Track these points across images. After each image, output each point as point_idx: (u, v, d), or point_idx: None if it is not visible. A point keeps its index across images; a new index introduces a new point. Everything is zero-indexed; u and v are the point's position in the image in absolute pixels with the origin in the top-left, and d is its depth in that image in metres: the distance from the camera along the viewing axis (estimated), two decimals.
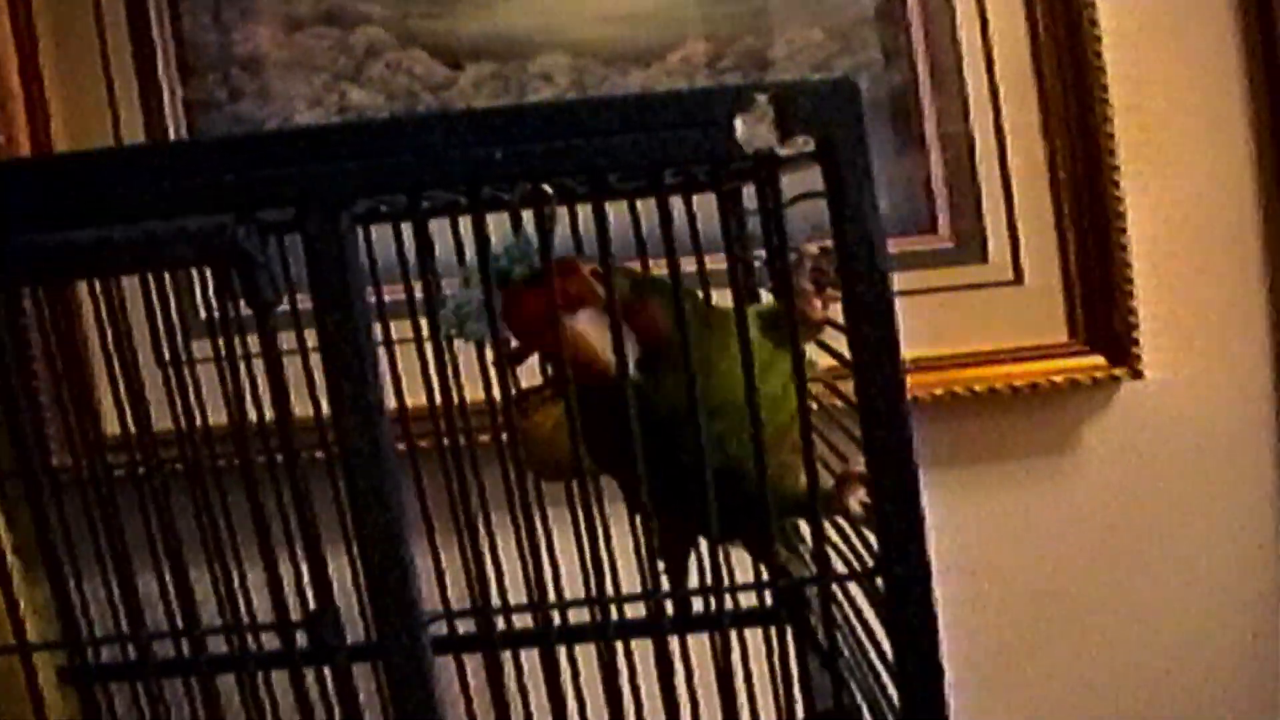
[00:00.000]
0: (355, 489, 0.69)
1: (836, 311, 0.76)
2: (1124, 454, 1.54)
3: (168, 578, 1.09)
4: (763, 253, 1.07)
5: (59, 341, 1.33)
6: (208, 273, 1.25)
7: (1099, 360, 1.49)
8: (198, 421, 1.13)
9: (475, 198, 0.66)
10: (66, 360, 1.38)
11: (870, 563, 0.80)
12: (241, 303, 0.66)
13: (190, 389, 1.12)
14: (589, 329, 0.78)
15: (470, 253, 0.91)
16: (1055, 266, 1.48)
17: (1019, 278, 1.48)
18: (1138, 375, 1.49)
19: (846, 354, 0.71)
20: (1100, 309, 1.48)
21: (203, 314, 1.29)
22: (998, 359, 1.49)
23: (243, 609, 1.13)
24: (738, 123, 0.65)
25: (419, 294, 1.09)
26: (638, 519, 0.95)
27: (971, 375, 1.48)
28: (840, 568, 0.87)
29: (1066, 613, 1.58)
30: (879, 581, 0.75)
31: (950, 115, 1.46)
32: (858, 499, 0.84)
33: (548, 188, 0.89)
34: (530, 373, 0.97)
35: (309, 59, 1.43)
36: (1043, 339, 1.49)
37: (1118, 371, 1.49)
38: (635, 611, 1.01)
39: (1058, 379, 1.49)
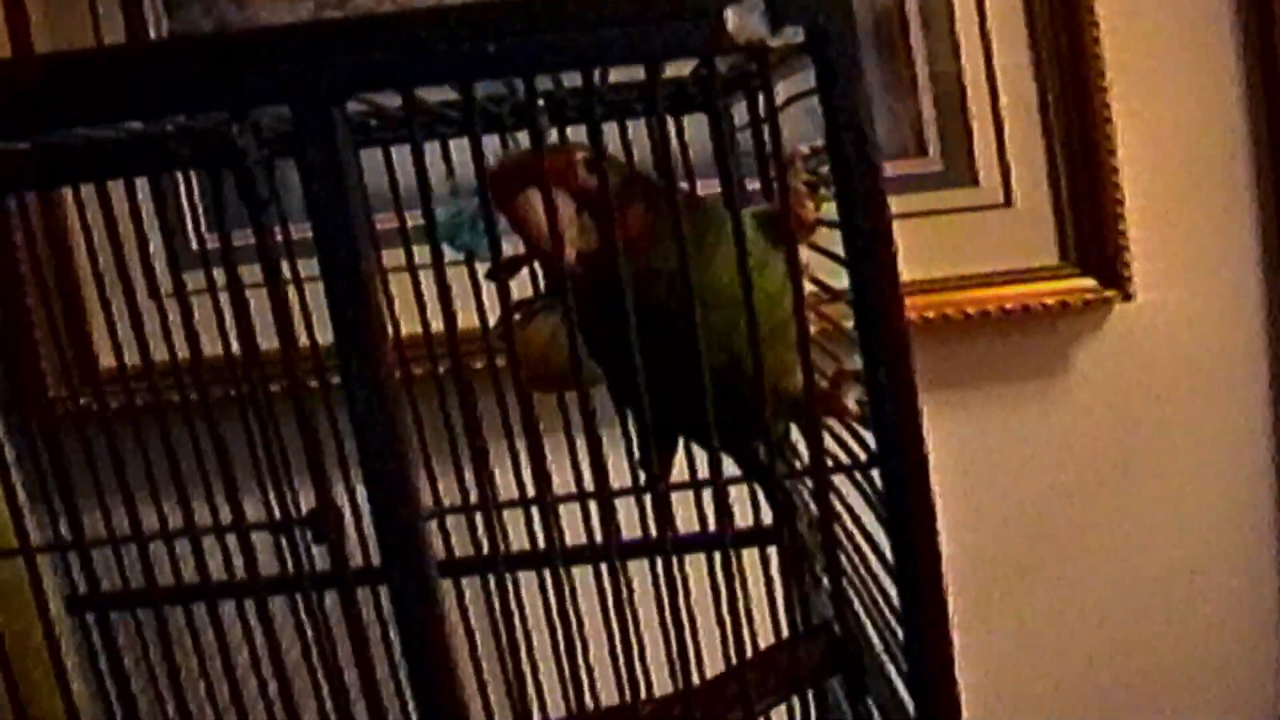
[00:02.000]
0: (356, 399, 0.70)
1: (829, 212, 0.76)
2: (1115, 376, 1.55)
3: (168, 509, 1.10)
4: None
5: (54, 272, 1.33)
6: (198, 201, 1.26)
7: (1090, 282, 1.49)
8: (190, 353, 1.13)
9: (468, 93, 0.66)
10: (61, 292, 1.38)
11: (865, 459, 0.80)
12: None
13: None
14: (566, 212, 0.78)
15: (459, 167, 0.92)
16: (1045, 189, 1.48)
17: (1009, 200, 1.48)
18: (1128, 297, 1.49)
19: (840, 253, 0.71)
20: (1090, 231, 1.48)
21: (195, 245, 1.31)
22: (989, 282, 1.49)
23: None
24: (728, 14, 0.65)
25: (410, 222, 1.10)
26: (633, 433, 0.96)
27: (962, 298, 1.49)
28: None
29: (1059, 534, 1.59)
30: (876, 477, 0.75)
31: (939, 34, 1.46)
32: (853, 398, 0.85)
33: (540, 100, 0.89)
34: (523, 288, 0.97)
35: None
36: (1033, 261, 1.49)
37: (1109, 293, 1.49)
38: (630, 531, 1.02)
39: (1049, 301, 1.49)
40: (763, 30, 0.65)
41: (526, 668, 1.22)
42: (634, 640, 1.06)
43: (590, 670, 1.20)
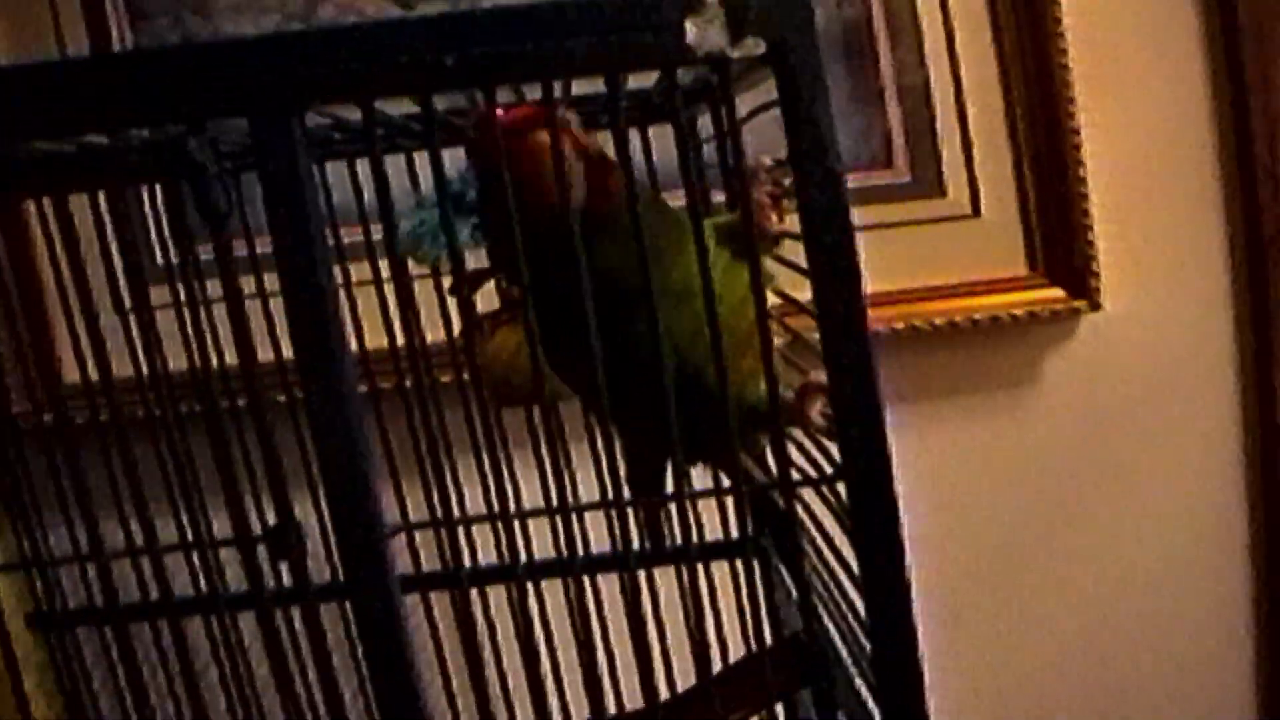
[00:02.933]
0: (317, 413, 0.69)
1: (793, 225, 0.76)
2: (1085, 385, 1.55)
3: (133, 524, 1.09)
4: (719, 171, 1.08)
5: (18, 287, 1.32)
6: (163, 216, 1.25)
7: (1058, 293, 1.50)
8: (158, 368, 1.13)
9: (427, 106, 0.66)
10: (25, 307, 1.37)
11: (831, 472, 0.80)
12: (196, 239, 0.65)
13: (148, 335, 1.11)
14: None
15: (425, 181, 0.91)
16: (1013, 199, 1.48)
17: (977, 211, 1.48)
18: (1097, 307, 1.50)
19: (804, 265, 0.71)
20: (1059, 241, 1.48)
21: (160, 259, 1.30)
22: (957, 293, 1.49)
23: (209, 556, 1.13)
24: (689, 25, 0.65)
25: (376, 235, 1.10)
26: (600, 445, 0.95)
27: (931, 309, 1.49)
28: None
29: (1030, 544, 1.59)
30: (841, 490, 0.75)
31: (906, 45, 1.46)
32: (819, 410, 0.85)
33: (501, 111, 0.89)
34: (489, 301, 0.96)
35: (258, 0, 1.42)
36: (1002, 272, 1.50)
37: (1077, 304, 1.49)
38: (602, 544, 1.01)
39: (1017, 312, 1.49)
40: (723, 42, 0.65)
41: (497, 681, 1.21)
42: (601, 655, 1.06)
43: (561, 684, 1.20)
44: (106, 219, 1.06)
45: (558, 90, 0.76)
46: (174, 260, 1.08)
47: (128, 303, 1.13)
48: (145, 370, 1.07)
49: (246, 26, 1.42)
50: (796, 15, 0.66)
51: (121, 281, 1.10)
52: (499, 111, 0.78)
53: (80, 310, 0.98)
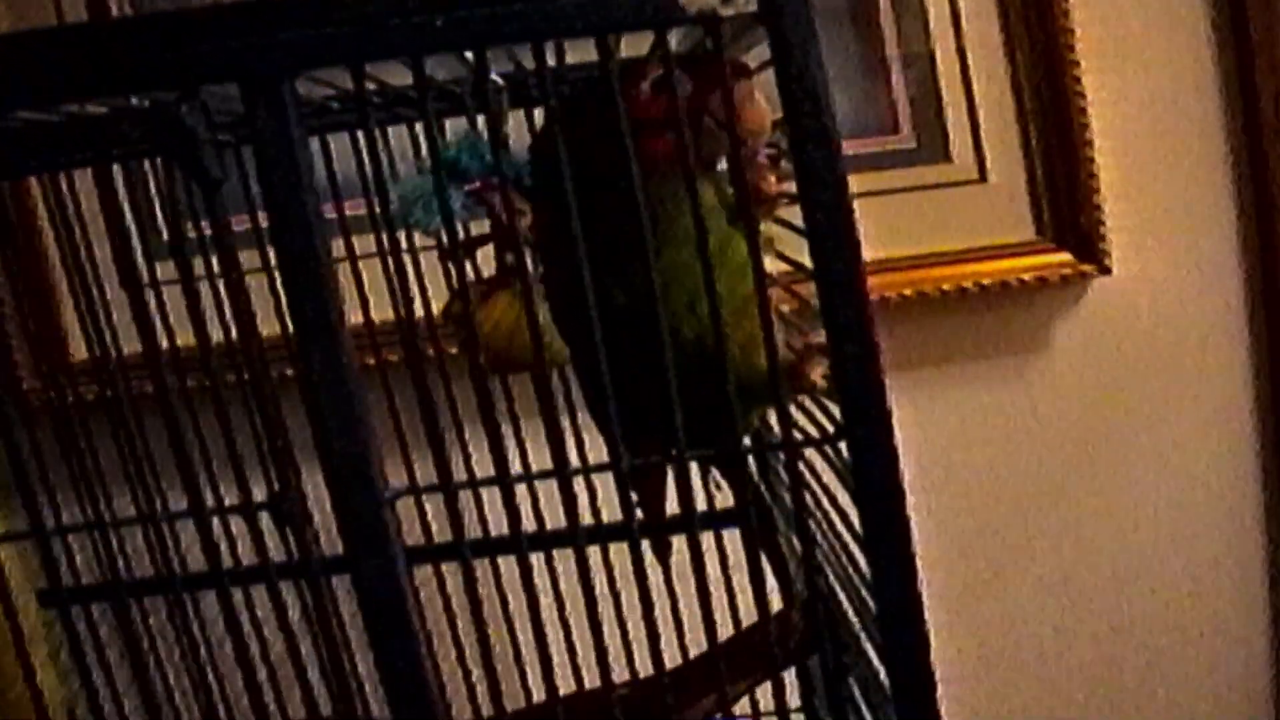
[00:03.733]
0: (315, 386, 0.69)
1: (792, 186, 0.75)
2: (1095, 350, 1.55)
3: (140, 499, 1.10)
4: None
5: (21, 265, 1.32)
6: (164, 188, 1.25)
7: (1066, 257, 1.49)
8: (165, 344, 1.13)
9: (418, 69, 0.66)
10: (30, 286, 1.37)
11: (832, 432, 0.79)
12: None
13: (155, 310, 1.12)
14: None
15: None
16: (1019, 164, 1.48)
17: (983, 176, 1.48)
18: (1106, 271, 1.49)
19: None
20: (1066, 206, 1.48)
21: (165, 236, 1.30)
22: (965, 258, 1.49)
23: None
24: None
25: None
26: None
27: (939, 275, 1.48)
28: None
29: (1040, 510, 1.59)
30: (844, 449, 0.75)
31: (911, 10, 1.45)
32: (820, 372, 0.84)
33: (498, 79, 0.89)
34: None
35: None
36: (1009, 237, 1.49)
37: (1086, 268, 1.49)
38: (612, 512, 1.01)
39: (1026, 277, 1.49)
40: (714, 1, 0.65)
41: (510, 652, 1.21)
42: (607, 624, 1.06)
43: (574, 654, 1.20)
44: (121, 190, 1.06)
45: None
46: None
47: (144, 278, 1.13)
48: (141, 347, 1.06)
49: None
50: None
51: (139, 256, 1.11)
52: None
53: (79, 286, 0.98)
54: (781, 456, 1.04)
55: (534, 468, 1.15)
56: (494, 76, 0.83)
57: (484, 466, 1.12)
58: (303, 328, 0.68)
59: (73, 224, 1.02)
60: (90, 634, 1.16)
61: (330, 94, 0.89)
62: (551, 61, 0.88)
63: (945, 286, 1.48)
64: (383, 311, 1.14)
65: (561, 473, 0.77)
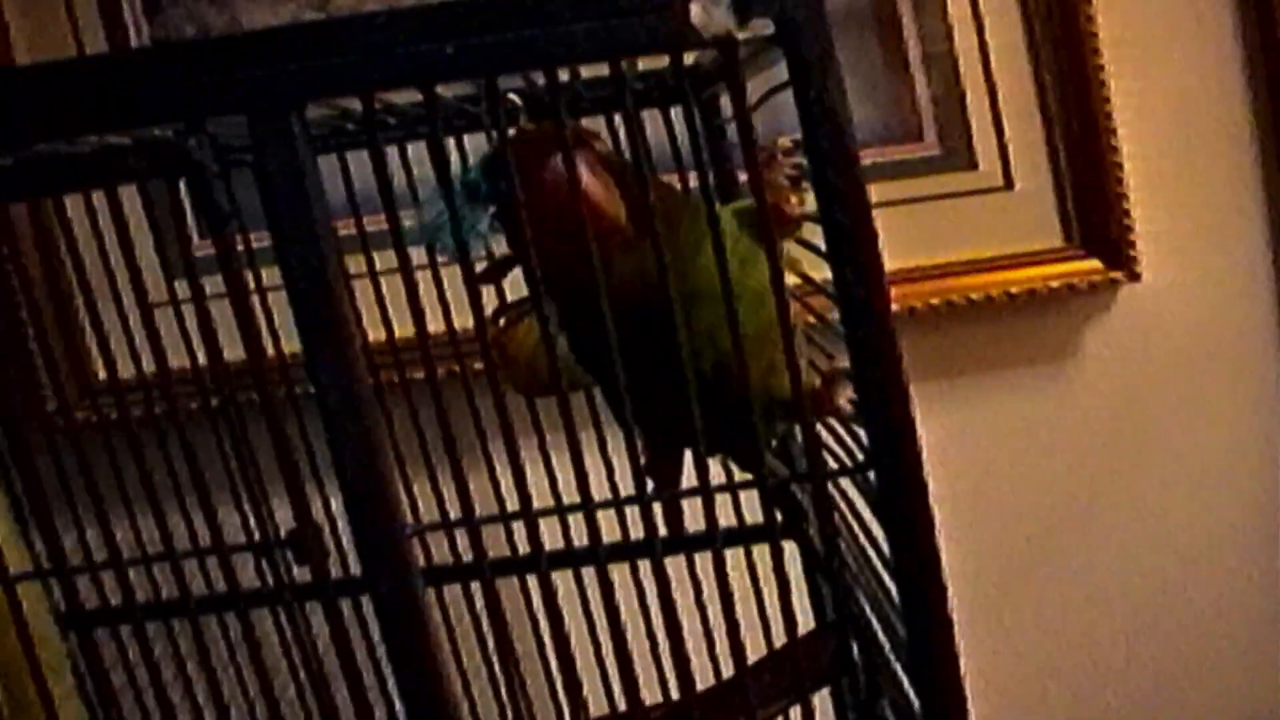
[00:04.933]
0: (329, 413, 0.68)
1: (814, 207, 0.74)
2: (1125, 357, 1.53)
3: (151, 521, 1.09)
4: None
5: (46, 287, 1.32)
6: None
7: (1095, 264, 1.47)
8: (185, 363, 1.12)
9: (429, 96, 0.65)
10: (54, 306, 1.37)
11: (862, 459, 0.78)
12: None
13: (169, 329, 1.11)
14: (601, 177, 0.77)
15: (452, 167, 0.90)
16: (1046, 170, 1.46)
17: (1009, 183, 1.46)
18: (1135, 278, 1.47)
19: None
20: (1094, 212, 1.46)
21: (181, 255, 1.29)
22: (994, 266, 1.47)
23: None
24: (694, 6, 0.63)
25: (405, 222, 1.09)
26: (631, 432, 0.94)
27: (968, 283, 1.47)
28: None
29: (1071, 519, 1.57)
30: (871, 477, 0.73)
31: (931, 13, 1.44)
32: (846, 397, 0.83)
33: (515, 97, 0.88)
34: (517, 288, 0.95)
35: None
36: (1037, 245, 1.47)
37: (1115, 275, 1.47)
38: (636, 531, 1.00)
39: (1055, 284, 1.47)
40: (730, 22, 0.63)
41: (529, 675, 1.20)
42: (633, 646, 1.05)
43: (604, 676, 1.19)
44: (140, 214, 1.06)
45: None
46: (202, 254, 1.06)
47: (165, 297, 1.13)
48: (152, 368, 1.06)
49: (265, 15, 1.40)
50: None
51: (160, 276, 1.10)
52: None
53: (86, 311, 0.97)
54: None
55: (559, 480, 1.15)
56: (511, 95, 0.81)
57: (506, 477, 1.12)
58: (314, 362, 0.67)
59: (80, 251, 1.01)
60: (119, 656, 1.16)
61: (343, 118, 0.88)
62: (565, 76, 0.87)
63: (973, 295, 1.46)
64: (405, 328, 1.13)
65: (587, 506, 0.76)
